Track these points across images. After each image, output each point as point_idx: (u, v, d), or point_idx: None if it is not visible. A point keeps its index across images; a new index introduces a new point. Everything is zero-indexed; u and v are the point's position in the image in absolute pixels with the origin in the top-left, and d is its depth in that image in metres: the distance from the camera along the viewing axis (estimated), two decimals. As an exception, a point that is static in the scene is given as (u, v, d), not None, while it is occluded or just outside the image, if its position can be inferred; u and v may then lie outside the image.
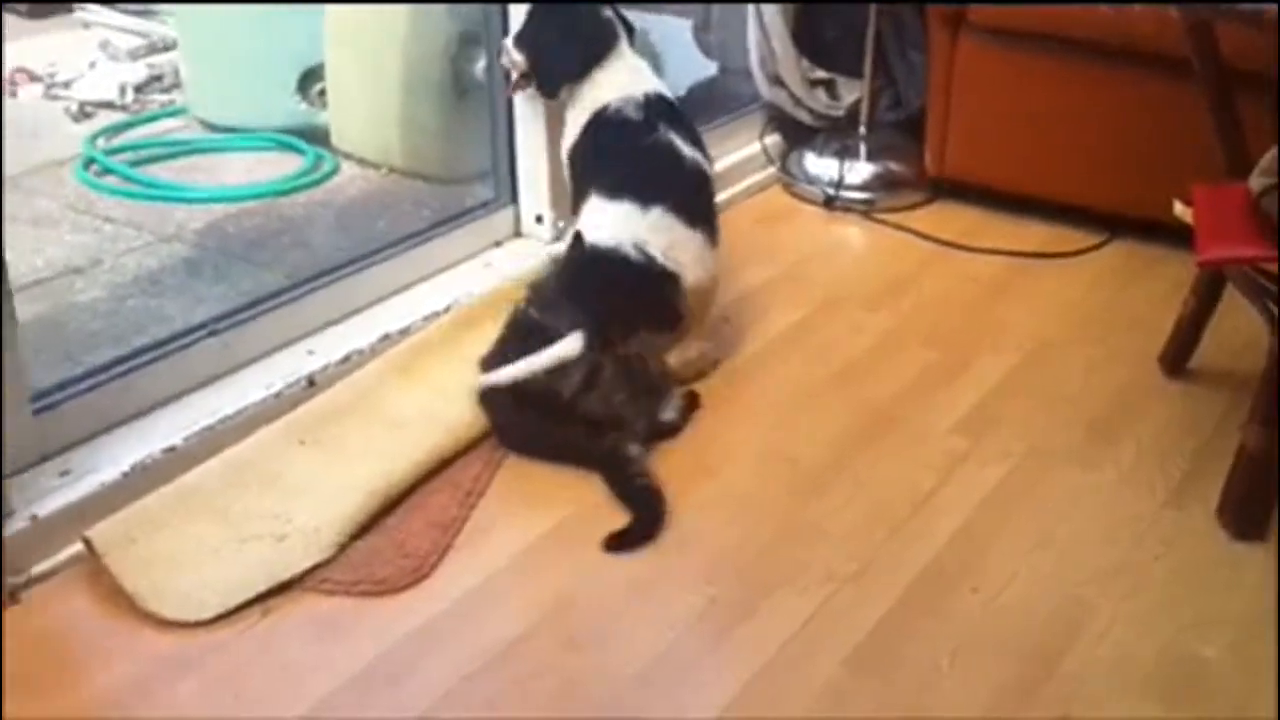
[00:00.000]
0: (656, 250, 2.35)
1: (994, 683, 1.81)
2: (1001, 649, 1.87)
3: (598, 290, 2.29)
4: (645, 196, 2.37)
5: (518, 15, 2.72)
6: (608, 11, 2.60)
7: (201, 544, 1.99)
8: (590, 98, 2.53)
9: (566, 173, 2.61)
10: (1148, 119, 2.93)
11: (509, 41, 2.65)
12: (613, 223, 2.35)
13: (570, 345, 2.20)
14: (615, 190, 2.40)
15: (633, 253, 2.33)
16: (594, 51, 2.54)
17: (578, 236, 2.35)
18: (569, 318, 2.24)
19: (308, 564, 1.98)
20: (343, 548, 2.02)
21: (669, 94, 2.58)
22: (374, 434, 2.24)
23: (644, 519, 2.10)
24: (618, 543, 2.06)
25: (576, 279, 2.33)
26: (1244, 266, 2.22)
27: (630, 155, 2.47)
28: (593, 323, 2.22)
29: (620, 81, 2.53)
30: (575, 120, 2.55)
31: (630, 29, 2.64)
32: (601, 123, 2.50)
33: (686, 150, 2.49)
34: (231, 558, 1.97)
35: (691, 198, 2.46)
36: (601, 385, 2.21)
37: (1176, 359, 2.53)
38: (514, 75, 2.67)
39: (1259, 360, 2.09)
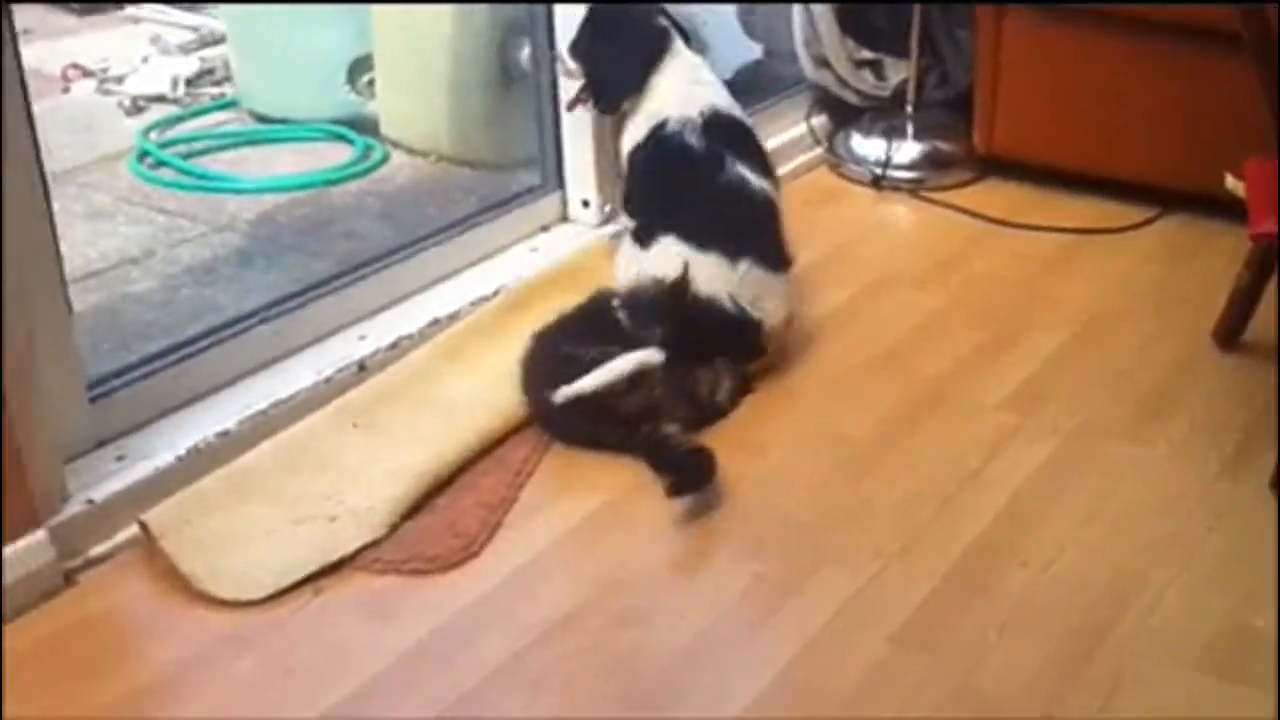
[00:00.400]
0: (747, 302, 2.37)
1: (1043, 656, 1.80)
2: (1050, 622, 1.86)
3: (692, 325, 2.32)
4: (731, 249, 2.36)
5: (563, 11, 2.74)
6: (661, 17, 2.60)
7: (255, 525, 2.01)
8: (652, 107, 2.52)
9: (624, 169, 2.60)
10: (1197, 92, 2.89)
11: (564, 50, 2.64)
12: (708, 276, 2.34)
13: (652, 357, 2.23)
14: (699, 238, 2.35)
15: (729, 304, 2.35)
16: (652, 57, 2.54)
17: (683, 278, 2.33)
18: (659, 337, 2.26)
19: (359, 543, 2.00)
20: (394, 527, 2.04)
21: (729, 104, 2.56)
22: (424, 417, 2.26)
23: (693, 469, 2.11)
24: (678, 486, 2.07)
25: (673, 310, 2.32)
26: (1297, 238, 2.20)
27: (706, 197, 2.43)
28: (680, 350, 2.26)
29: (680, 87, 2.52)
30: (638, 125, 2.53)
31: (684, 32, 2.62)
32: (667, 145, 2.47)
33: (757, 183, 2.46)
34: (284, 538, 2.00)
35: (770, 240, 2.45)
36: (645, 386, 2.22)
37: (1230, 333, 2.50)
38: (572, 88, 2.65)
39: (1313, 332, 2.07)
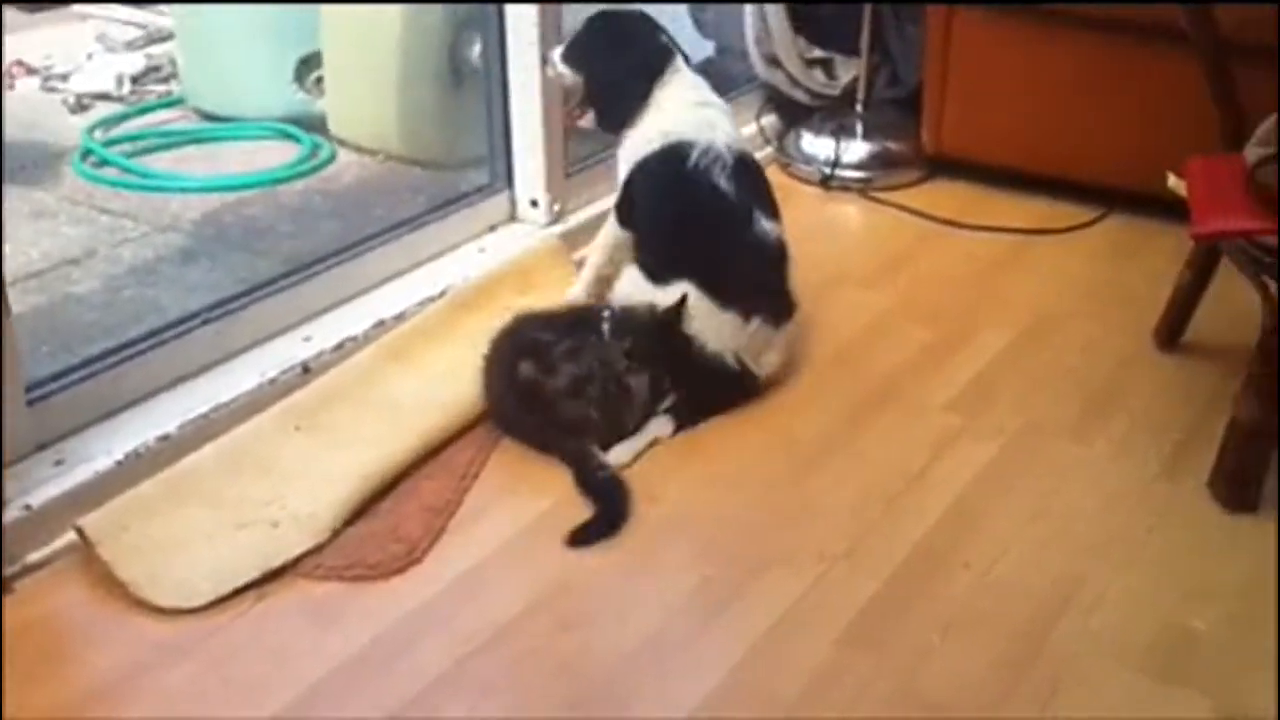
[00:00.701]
0: (750, 358, 2.35)
1: (986, 657, 1.81)
2: (993, 623, 1.87)
3: (691, 376, 2.31)
4: (748, 307, 2.32)
5: (514, 10, 2.72)
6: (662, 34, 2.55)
7: (195, 531, 1.99)
8: (662, 124, 2.43)
9: (621, 178, 2.50)
10: (1144, 92, 2.92)
11: (556, 55, 2.56)
12: (718, 334, 2.30)
13: (664, 429, 2.28)
14: (722, 296, 2.30)
15: (731, 362, 2.33)
16: (655, 70, 2.47)
17: (691, 338, 2.30)
18: (649, 376, 2.27)
19: (301, 549, 1.98)
20: (336, 533, 2.02)
21: (739, 135, 2.50)
22: (368, 419, 2.25)
23: (607, 511, 2.09)
24: (581, 536, 2.05)
25: (675, 358, 2.30)
26: (1239, 239, 2.21)
27: (734, 254, 2.37)
28: (676, 401, 2.29)
29: (689, 106, 2.46)
30: (644, 139, 2.44)
31: (683, 52, 2.56)
32: (694, 182, 2.36)
33: (775, 234, 2.41)
34: (225, 544, 1.98)
35: (781, 291, 2.42)
36: (584, 396, 2.21)
37: (1171, 332, 2.53)
38: (569, 102, 2.60)
39: (1253, 333, 2.08)
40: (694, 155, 2.37)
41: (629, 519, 2.09)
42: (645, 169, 2.44)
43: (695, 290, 2.30)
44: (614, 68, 2.50)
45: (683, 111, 2.45)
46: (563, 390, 2.20)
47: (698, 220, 2.39)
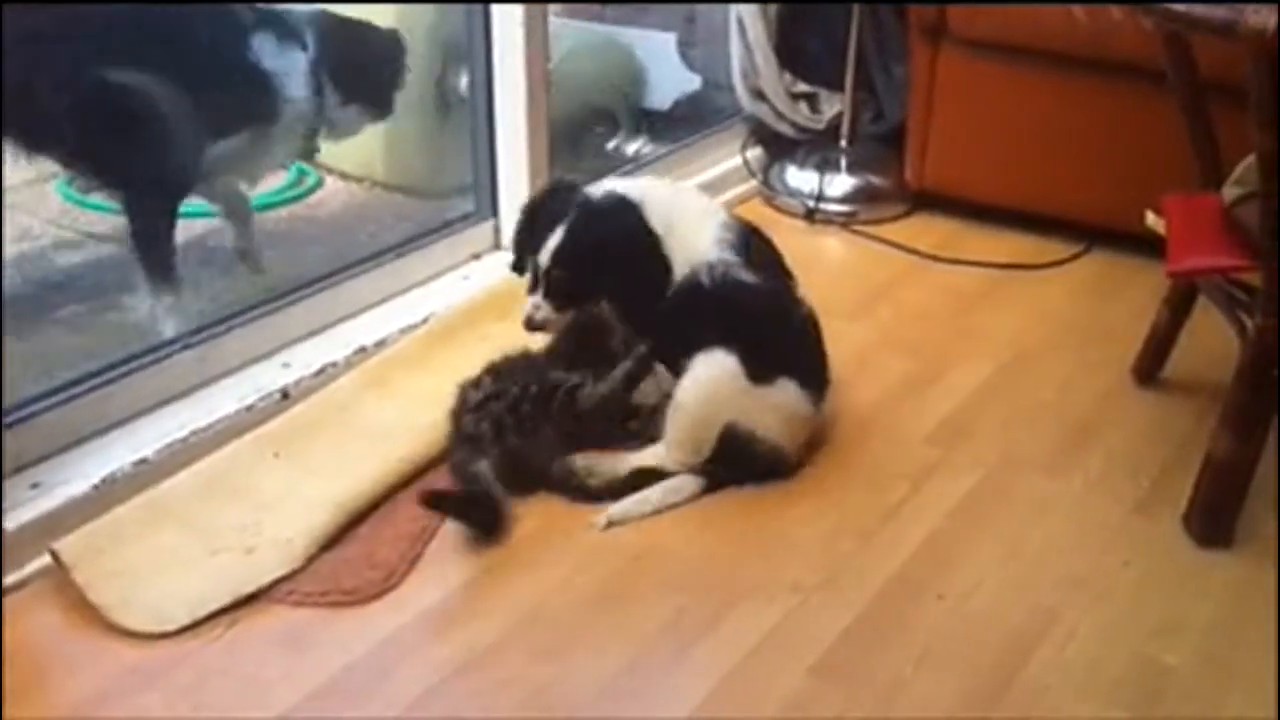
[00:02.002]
0: (776, 435, 2.24)
1: (958, 690, 1.82)
2: (966, 656, 1.88)
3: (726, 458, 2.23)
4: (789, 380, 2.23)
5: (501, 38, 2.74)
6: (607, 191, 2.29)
7: (170, 556, 1.99)
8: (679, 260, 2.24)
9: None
10: (1126, 131, 2.94)
11: (534, 307, 2.24)
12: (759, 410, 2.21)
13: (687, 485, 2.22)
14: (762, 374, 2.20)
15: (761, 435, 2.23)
16: (652, 247, 2.23)
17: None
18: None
19: (276, 575, 1.98)
20: (312, 559, 2.02)
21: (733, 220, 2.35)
22: (346, 446, 2.25)
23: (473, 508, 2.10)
24: (436, 501, 2.08)
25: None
26: (1215, 277, 2.23)
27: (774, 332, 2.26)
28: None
29: (691, 233, 2.26)
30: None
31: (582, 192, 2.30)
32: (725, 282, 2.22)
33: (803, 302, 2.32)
34: (199, 570, 1.98)
35: (816, 362, 2.33)
36: (484, 413, 2.20)
37: (1149, 369, 2.54)
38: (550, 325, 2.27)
39: (1229, 370, 2.09)
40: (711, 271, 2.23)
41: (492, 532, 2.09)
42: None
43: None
44: (614, 277, 2.24)
45: (691, 240, 2.26)
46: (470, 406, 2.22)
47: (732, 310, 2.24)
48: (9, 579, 1.96)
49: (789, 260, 2.39)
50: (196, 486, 2.12)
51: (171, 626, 1.89)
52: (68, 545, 1.95)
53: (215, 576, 1.96)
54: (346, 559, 2.04)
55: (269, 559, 2.00)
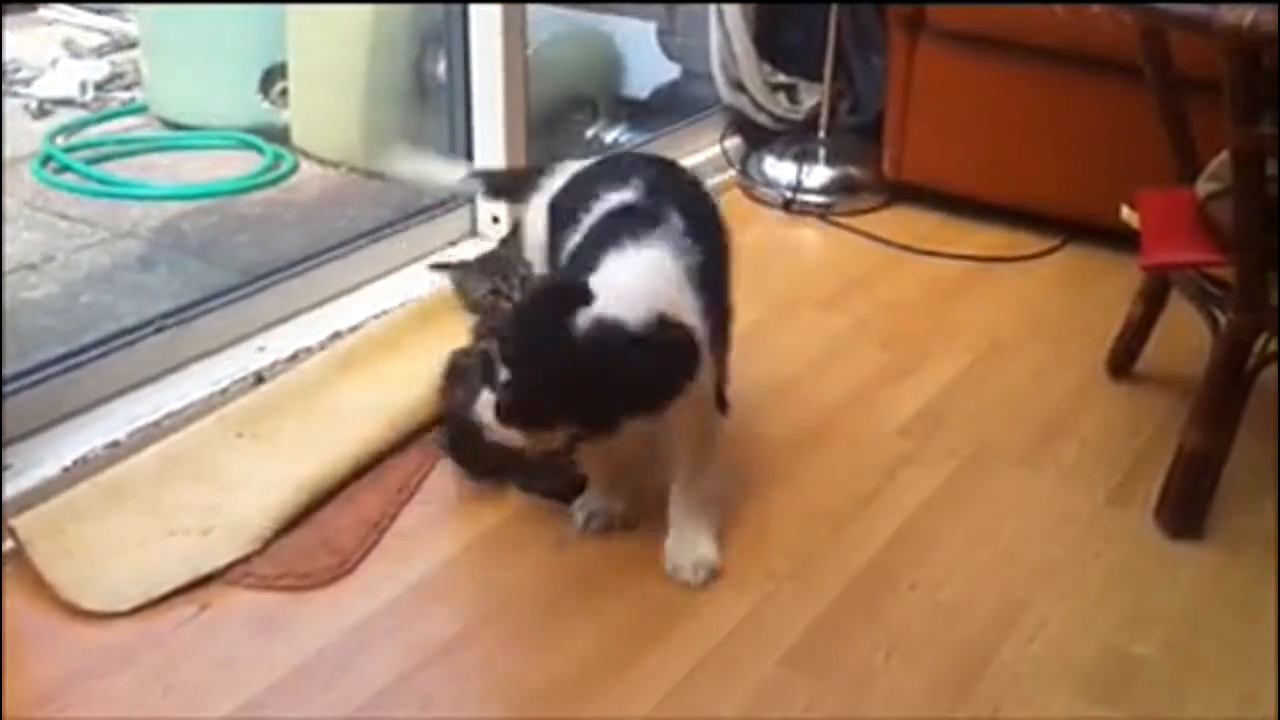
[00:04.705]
0: None
1: (928, 679, 1.82)
2: (937, 646, 1.88)
3: None
4: None
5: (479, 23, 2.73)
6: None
7: (127, 536, 1.97)
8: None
9: None
10: (1104, 125, 2.95)
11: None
12: None
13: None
14: None
15: None
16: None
17: None
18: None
19: (232, 558, 1.96)
20: (269, 542, 2.01)
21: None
22: (313, 428, 2.23)
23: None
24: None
25: None
26: (1188, 271, 2.24)
27: None
28: None
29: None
30: None
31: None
32: None
33: None
34: (156, 550, 1.96)
35: None
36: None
37: (1122, 362, 2.55)
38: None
39: (1202, 364, 2.10)
40: None
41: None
42: None
43: None
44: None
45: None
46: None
47: None
48: (-22, 560, 1.95)
49: (762, 251, 2.39)
50: (159, 467, 2.10)
51: (124, 606, 1.87)
52: (25, 523, 1.93)
53: (170, 558, 1.95)
54: (304, 542, 2.02)
55: (225, 541, 1.99)
